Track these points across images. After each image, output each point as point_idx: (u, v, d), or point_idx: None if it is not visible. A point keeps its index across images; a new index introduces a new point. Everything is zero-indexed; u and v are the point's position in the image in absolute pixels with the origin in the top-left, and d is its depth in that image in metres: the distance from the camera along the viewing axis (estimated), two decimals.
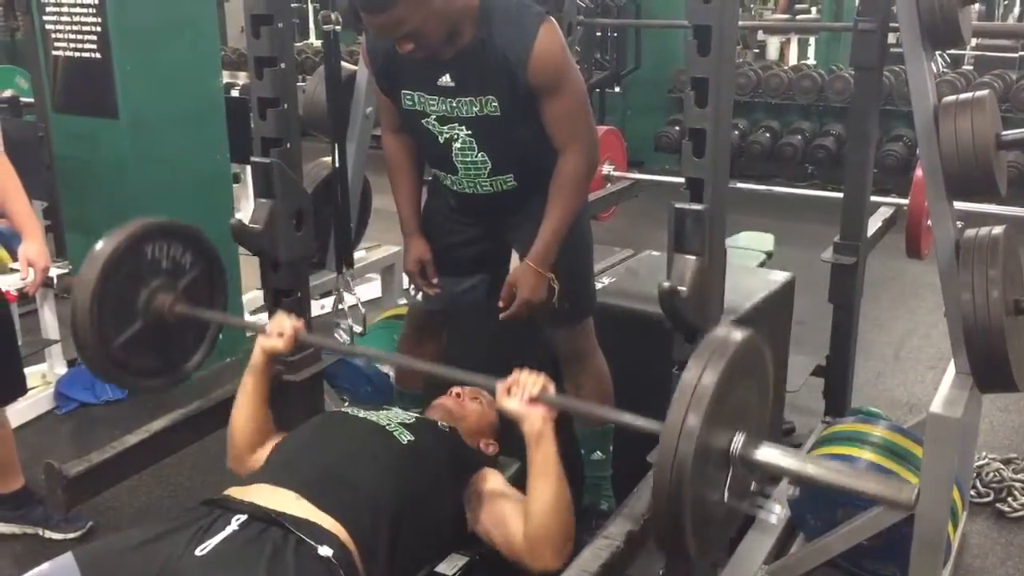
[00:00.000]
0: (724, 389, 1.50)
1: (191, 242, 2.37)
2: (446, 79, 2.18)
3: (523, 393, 1.85)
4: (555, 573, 1.84)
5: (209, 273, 2.44)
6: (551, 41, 2.13)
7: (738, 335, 1.58)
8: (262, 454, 2.11)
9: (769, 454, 1.61)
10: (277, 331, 2.19)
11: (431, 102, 2.23)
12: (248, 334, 4.22)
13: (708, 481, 1.53)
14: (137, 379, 2.36)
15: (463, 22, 2.13)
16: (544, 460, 1.85)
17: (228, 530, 1.68)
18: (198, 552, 1.63)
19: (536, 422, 1.85)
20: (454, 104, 2.21)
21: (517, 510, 1.93)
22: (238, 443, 2.17)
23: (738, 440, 1.57)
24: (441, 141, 2.27)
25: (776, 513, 1.68)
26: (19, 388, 2.95)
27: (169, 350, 2.39)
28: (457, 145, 2.26)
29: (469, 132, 2.24)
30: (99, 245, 2.21)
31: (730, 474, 1.59)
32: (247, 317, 4.27)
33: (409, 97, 2.25)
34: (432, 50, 2.11)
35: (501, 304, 2.33)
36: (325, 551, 1.68)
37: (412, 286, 2.55)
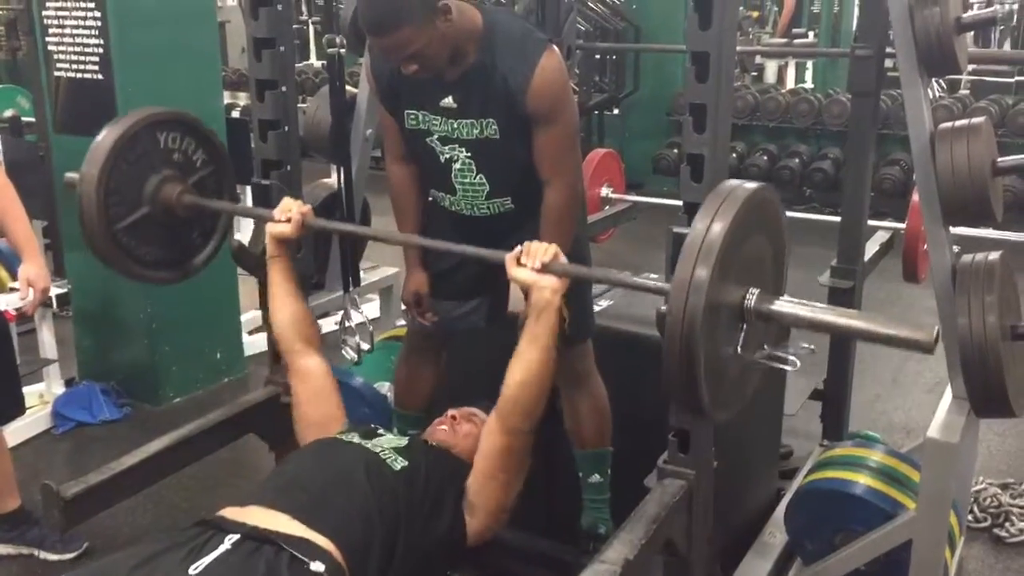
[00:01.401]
0: (734, 241, 1.44)
1: (204, 141, 2.38)
2: (448, 100, 2.20)
3: (533, 261, 1.87)
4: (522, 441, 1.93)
5: (219, 174, 2.45)
6: (553, 69, 2.15)
7: (749, 185, 1.53)
8: (311, 355, 2.26)
9: (786, 306, 1.56)
10: (284, 215, 2.23)
11: (434, 121, 2.24)
12: (247, 354, 4.23)
13: (721, 335, 1.49)
14: (142, 268, 2.37)
15: (467, 44, 2.14)
16: (542, 329, 1.88)
17: (221, 549, 1.69)
18: (192, 571, 1.64)
19: (546, 291, 1.87)
20: (455, 125, 2.22)
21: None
22: (286, 337, 2.28)
23: (752, 294, 1.53)
24: (442, 161, 2.29)
25: (795, 361, 1.63)
26: (17, 408, 2.94)
27: (177, 243, 2.41)
28: (457, 166, 2.28)
29: (469, 154, 2.25)
30: (108, 127, 2.24)
31: (744, 328, 1.54)
32: (245, 338, 4.28)
33: (413, 116, 2.27)
34: (436, 71, 2.13)
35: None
36: (318, 567, 1.69)
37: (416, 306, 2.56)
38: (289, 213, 2.24)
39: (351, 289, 2.94)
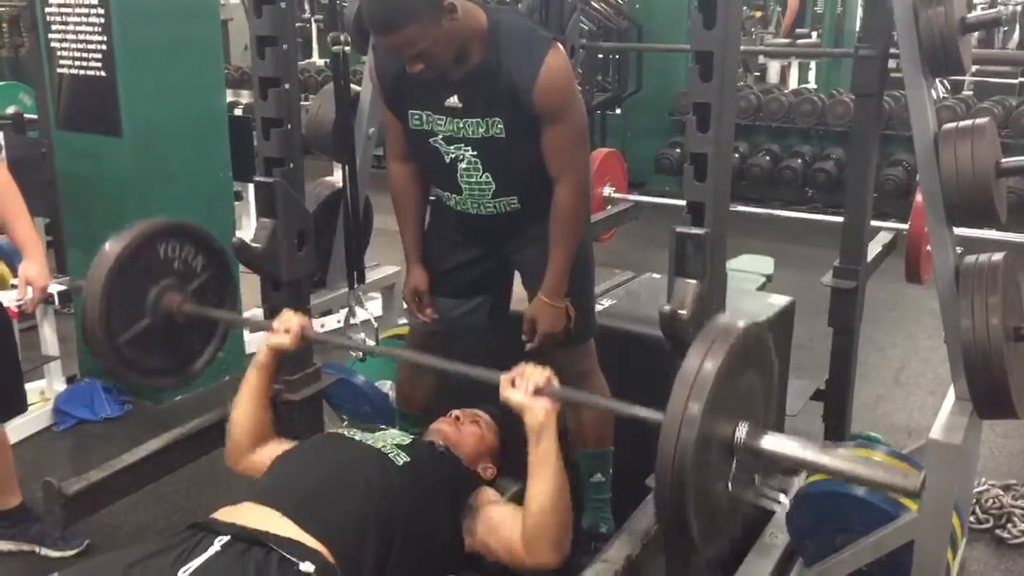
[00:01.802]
0: (726, 377, 1.48)
1: (203, 245, 2.39)
2: (454, 100, 2.20)
3: (527, 384, 1.86)
4: (552, 570, 1.84)
5: (219, 277, 2.46)
6: (558, 67, 2.14)
7: (740, 323, 1.57)
8: (261, 457, 2.12)
9: (775, 443, 1.58)
10: (284, 328, 2.21)
11: (439, 121, 2.24)
12: (248, 352, 4.23)
13: (711, 469, 1.51)
14: (144, 376, 2.37)
15: (472, 43, 2.14)
16: (545, 453, 1.86)
17: (211, 551, 1.69)
18: (181, 573, 1.64)
19: (539, 414, 1.85)
20: (461, 125, 2.22)
21: (512, 514, 1.93)
22: (236, 438, 2.19)
23: (742, 429, 1.55)
24: (447, 161, 2.29)
25: (783, 502, 1.66)
26: (19, 405, 2.94)
27: (177, 350, 2.40)
28: (463, 166, 2.28)
29: (475, 153, 2.25)
30: (112, 241, 2.24)
31: (734, 463, 1.56)
32: (246, 336, 4.27)
33: (417, 116, 2.27)
34: (441, 70, 2.13)
35: (524, 339, 2.36)
36: (307, 567, 1.68)
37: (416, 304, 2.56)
38: (288, 324, 2.21)
39: (356, 286, 2.94)
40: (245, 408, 2.21)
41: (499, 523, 1.96)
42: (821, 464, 1.63)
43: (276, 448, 2.15)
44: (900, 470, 1.57)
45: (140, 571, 1.65)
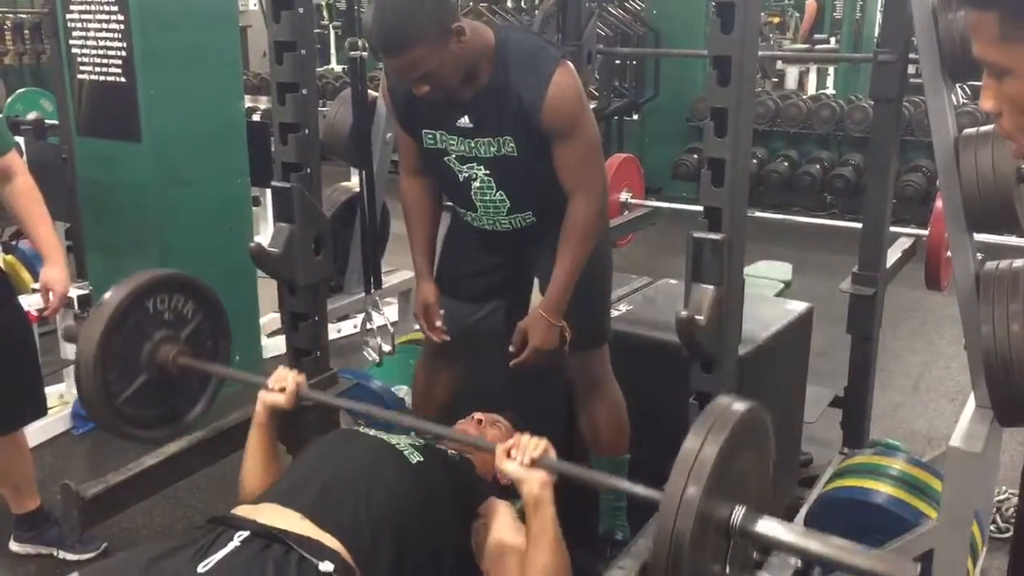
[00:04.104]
0: (725, 461, 1.49)
1: (192, 292, 2.39)
2: (464, 120, 2.20)
3: (523, 456, 1.84)
4: None
5: (211, 320, 2.45)
6: (566, 85, 2.14)
7: (740, 406, 1.57)
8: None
9: (770, 527, 1.58)
10: (279, 385, 2.17)
11: (451, 141, 2.25)
12: (265, 356, 4.25)
13: (708, 552, 1.52)
14: (141, 431, 2.37)
15: (480, 64, 2.15)
16: (542, 526, 1.83)
17: (230, 547, 1.69)
18: (200, 568, 1.65)
19: (535, 486, 1.82)
20: (473, 144, 2.23)
21: (517, 551, 1.91)
22: (247, 489, 2.14)
23: (738, 512, 1.55)
24: (461, 180, 2.29)
25: None
26: (40, 409, 2.96)
27: (172, 401, 2.41)
28: (476, 184, 2.28)
29: (487, 172, 2.25)
30: (101, 301, 2.24)
31: (731, 546, 1.57)
32: (264, 340, 4.29)
33: (430, 136, 2.27)
34: (449, 92, 2.13)
35: (512, 350, 2.33)
36: (326, 567, 1.69)
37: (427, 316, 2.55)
38: (284, 383, 2.17)
39: (372, 291, 2.95)
40: (253, 463, 2.17)
41: (501, 556, 1.95)
42: (815, 552, 1.63)
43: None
44: (896, 561, 1.56)
45: (160, 567, 1.65)
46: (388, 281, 4.12)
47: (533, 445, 1.85)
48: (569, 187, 2.24)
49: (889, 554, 1.76)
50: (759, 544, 1.64)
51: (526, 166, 2.22)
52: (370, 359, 2.87)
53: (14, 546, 2.95)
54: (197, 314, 2.41)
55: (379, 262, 3.09)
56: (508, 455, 1.86)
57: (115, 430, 2.33)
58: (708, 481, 1.45)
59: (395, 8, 2.01)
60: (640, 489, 1.74)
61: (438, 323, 2.47)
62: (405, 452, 2.00)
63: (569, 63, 2.20)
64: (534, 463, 1.83)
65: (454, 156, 2.26)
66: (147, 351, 2.30)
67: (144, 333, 2.30)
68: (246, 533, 1.72)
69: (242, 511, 1.83)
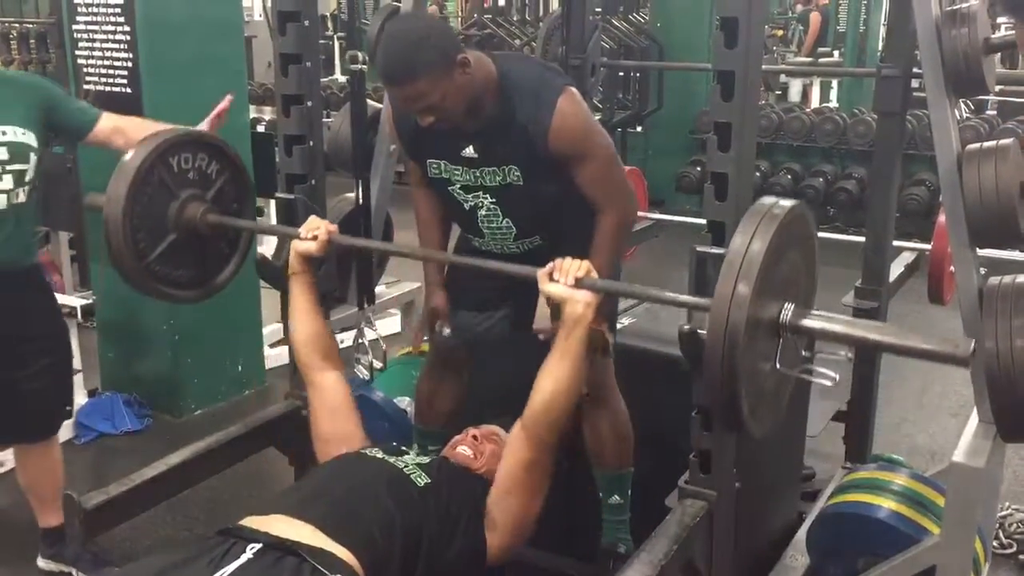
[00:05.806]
0: (773, 258, 1.48)
1: (215, 152, 2.39)
2: (469, 151, 2.22)
3: (566, 277, 1.89)
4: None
5: (235, 182, 2.45)
6: (570, 114, 2.16)
7: (785, 203, 1.56)
8: (328, 381, 2.25)
9: (818, 322, 1.58)
10: (311, 233, 2.24)
11: (456, 172, 2.26)
12: (268, 367, 4.25)
13: (759, 350, 1.52)
14: (172, 289, 2.39)
15: (484, 95, 2.16)
16: (573, 342, 1.90)
17: (243, 558, 1.69)
18: None
19: (578, 306, 1.88)
20: (477, 174, 2.24)
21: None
22: (302, 358, 2.29)
23: (788, 309, 1.55)
24: (467, 208, 2.31)
25: (830, 376, 1.65)
26: (69, 413, 2.97)
27: (202, 262, 2.42)
28: (482, 212, 2.30)
29: (493, 200, 2.27)
30: (125, 159, 2.24)
31: (780, 343, 1.57)
32: (267, 351, 4.29)
33: (435, 166, 2.29)
34: (454, 123, 2.14)
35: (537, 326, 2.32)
36: None
37: (437, 322, 2.56)
38: (316, 231, 2.24)
39: (365, 307, 2.95)
40: (298, 323, 2.30)
41: (504, 453, 2.05)
42: (867, 338, 1.62)
43: (339, 381, 2.27)
44: (949, 342, 1.54)
45: None
46: (391, 292, 4.13)
47: (576, 266, 1.89)
48: (597, 203, 2.26)
49: (938, 336, 1.72)
50: (810, 338, 1.64)
51: (532, 193, 2.24)
52: (361, 375, 2.86)
53: (41, 562, 2.92)
54: (222, 175, 2.42)
55: (372, 276, 3.09)
56: (551, 278, 1.90)
57: (146, 288, 2.33)
58: (757, 279, 1.44)
59: (401, 40, 2.04)
60: (687, 299, 1.75)
61: (447, 331, 2.48)
62: (412, 476, 2.01)
63: (573, 88, 2.20)
64: (578, 284, 1.87)
65: (459, 186, 2.28)
66: (175, 209, 2.31)
67: (170, 191, 2.31)
68: (259, 545, 1.72)
69: (253, 522, 1.82)
